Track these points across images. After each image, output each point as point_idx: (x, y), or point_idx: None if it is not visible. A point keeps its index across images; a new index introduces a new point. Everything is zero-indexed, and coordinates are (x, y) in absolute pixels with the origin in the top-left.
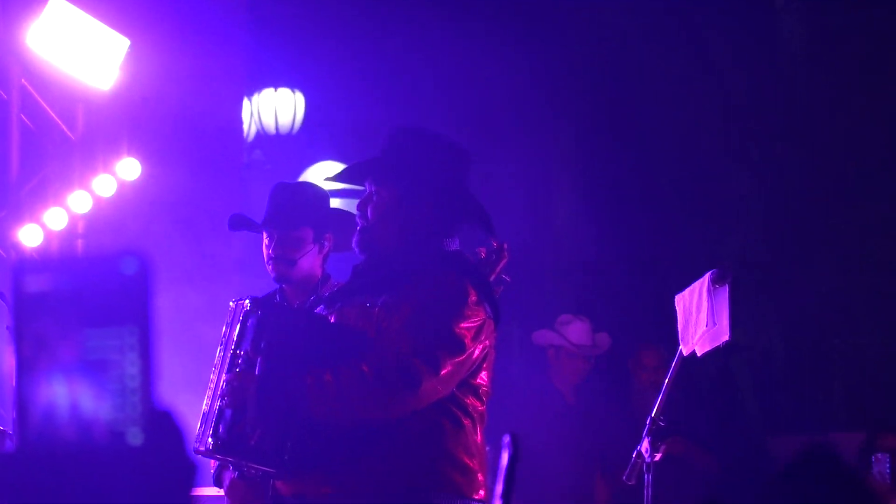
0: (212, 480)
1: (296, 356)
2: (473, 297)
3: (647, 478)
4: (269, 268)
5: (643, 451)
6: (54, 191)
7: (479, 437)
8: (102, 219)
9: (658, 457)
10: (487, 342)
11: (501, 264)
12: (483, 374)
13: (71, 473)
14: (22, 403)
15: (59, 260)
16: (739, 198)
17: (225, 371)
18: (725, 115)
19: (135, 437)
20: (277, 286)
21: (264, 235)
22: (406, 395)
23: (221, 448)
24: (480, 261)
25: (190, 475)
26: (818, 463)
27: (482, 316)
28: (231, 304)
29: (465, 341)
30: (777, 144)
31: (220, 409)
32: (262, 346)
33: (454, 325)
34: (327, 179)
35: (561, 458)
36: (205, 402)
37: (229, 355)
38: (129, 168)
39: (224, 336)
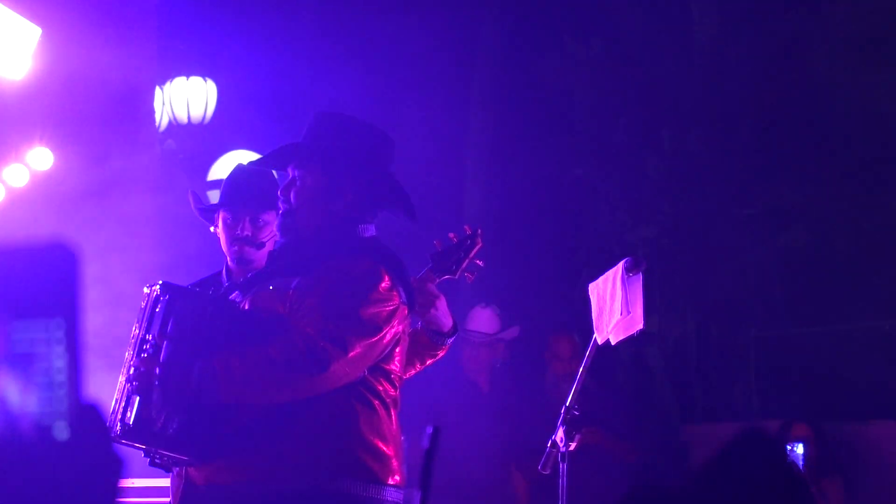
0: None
1: (203, 341)
2: (386, 282)
3: (563, 467)
4: (234, 249)
5: (558, 440)
6: None
7: (394, 423)
8: (15, 209)
9: (573, 446)
10: (399, 328)
11: (475, 250)
12: (396, 360)
13: None
14: None
15: None
16: (653, 185)
17: (134, 354)
18: (641, 102)
19: (61, 431)
20: (221, 268)
21: (221, 217)
22: (314, 377)
23: (128, 434)
24: (452, 245)
25: (117, 468)
26: (754, 447)
27: (395, 301)
28: (146, 289)
29: (376, 324)
30: (689, 132)
31: (128, 395)
32: (168, 330)
33: (365, 309)
34: (251, 164)
35: (478, 450)
36: (117, 387)
37: (139, 338)
38: (41, 158)
39: (137, 318)
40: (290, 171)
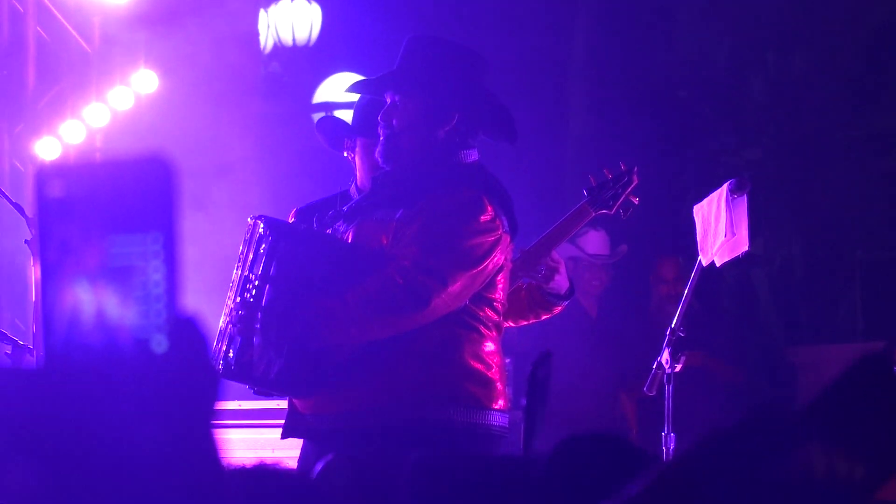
0: None
1: (305, 282)
2: (489, 212)
3: (668, 389)
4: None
5: (663, 362)
6: (71, 103)
7: (496, 347)
8: (120, 132)
9: (678, 368)
10: (501, 256)
11: (632, 186)
12: (499, 288)
13: (96, 382)
14: (47, 311)
15: (80, 165)
16: (757, 107)
17: (237, 294)
18: (744, 26)
19: (159, 344)
20: (345, 188)
21: (359, 143)
22: (416, 313)
23: (230, 373)
24: (607, 180)
25: (213, 384)
26: (877, 373)
27: (498, 231)
28: (249, 220)
29: (478, 255)
30: (794, 55)
31: (231, 335)
32: (271, 273)
33: (466, 240)
34: (347, 91)
35: (586, 373)
36: (221, 319)
37: (241, 278)
38: (146, 80)
39: (240, 256)
40: (388, 96)
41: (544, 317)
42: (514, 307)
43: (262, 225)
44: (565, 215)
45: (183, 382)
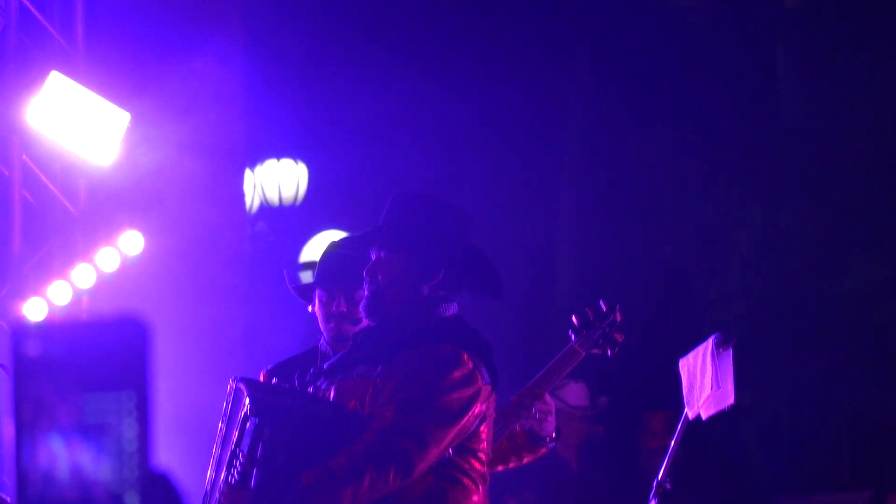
0: None
1: (291, 461)
2: (467, 366)
3: None
4: (331, 326)
5: None
6: (57, 265)
7: (483, 499)
8: (106, 293)
9: None
10: (482, 407)
11: (617, 324)
12: (482, 437)
13: None
14: (21, 467)
15: (56, 325)
16: (742, 263)
17: (223, 469)
18: (728, 174)
19: (132, 499)
20: (315, 343)
21: (317, 295)
22: (398, 478)
23: None
24: (591, 320)
25: None
26: None
27: (477, 384)
28: (231, 382)
29: (456, 411)
30: (778, 206)
31: None
32: (258, 456)
33: (443, 395)
34: (331, 246)
35: None
36: (205, 489)
37: (228, 452)
38: (132, 242)
39: (224, 419)
40: (373, 252)
41: (526, 460)
42: (497, 451)
43: (246, 400)
44: (554, 358)
45: None
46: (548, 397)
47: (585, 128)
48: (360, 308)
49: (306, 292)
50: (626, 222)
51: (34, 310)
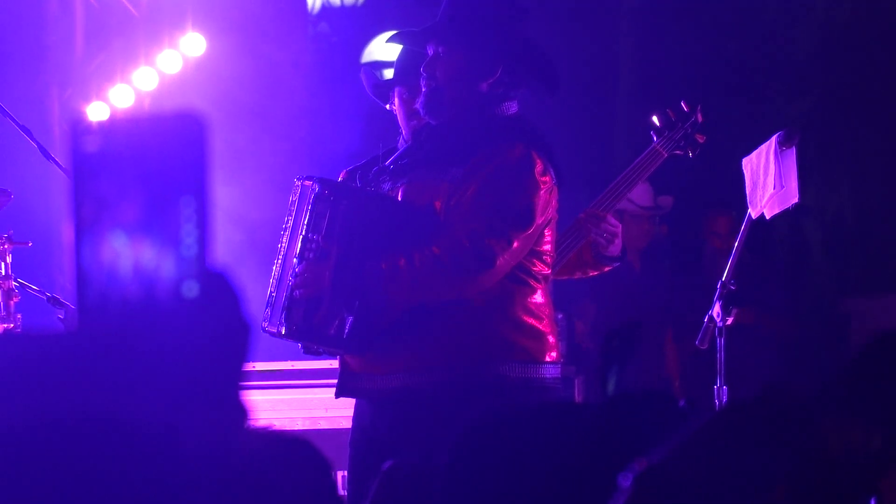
0: None
1: (369, 242)
2: (539, 167)
3: (720, 342)
4: (413, 123)
5: (715, 315)
6: (120, 68)
7: (545, 300)
8: (168, 95)
9: (730, 321)
10: (550, 209)
11: (699, 124)
12: (547, 239)
13: (132, 331)
14: (82, 266)
15: (116, 122)
16: (805, 58)
17: (296, 256)
18: None
19: (190, 289)
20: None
21: (397, 93)
22: (482, 275)
23: (298, 335)
24: (672, 120)
25: (244, 335)
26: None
27: (548, 184)
28: (297, 181)
29: (533, 214)
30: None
31: (295, 297)
32: (335, 233)
33: (522, 200)
34: (388, 42)
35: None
36: (271, 284)
37: (299, 240)
38: (194, 43)
39: (291, 218)
40: (431, 48)
41: (591, 274)
42: (564, 265)
43: (316, 185)
44: (636, 160)
45: (215, 332)
46: (613, 219)
47: None
48: (419, 105)
49: (384, 90)
50: (687, 20)
51: (97, 112)
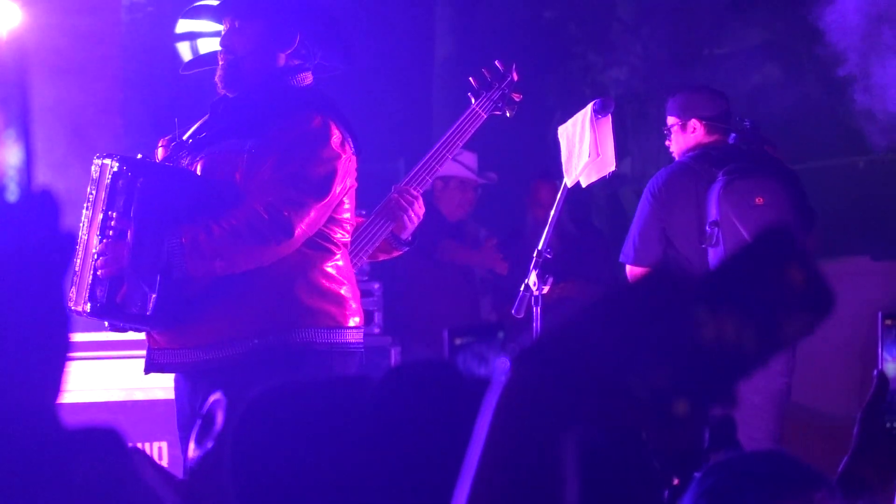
0: None
1: (168, 217)
2: (337, 137)
3: (536, 311)
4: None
5: (531, 284)
6: None
7: (346, 264)
8: None
9: (546, 290)
10: (348, 178)
11: (514, 84)
12: (347, 208)
13: None
14: None
15: None
16: (623, 26)
17: (97, 233)
18: None
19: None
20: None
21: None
22: (281, 245)
23: (101, 312)
24: (488, 81)
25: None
26: (780, 242)
27: (347, 152)
28: (96, 160)
29: (331, 183)
30: None
31: (96, 276)
32: (133, 210)
33: (320, 169)
34: (183, 17)
35: (449, 290)
36: (76, 261)
37: (99, 217)
38: (8, 13)
39: (92, 196)
40: (228, 21)
41: (381, 258)
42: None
43: (115, 163)
44: (456, 123)
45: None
46: (415, 191)
47: None
48: (217, 79)
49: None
50: None
51: None
